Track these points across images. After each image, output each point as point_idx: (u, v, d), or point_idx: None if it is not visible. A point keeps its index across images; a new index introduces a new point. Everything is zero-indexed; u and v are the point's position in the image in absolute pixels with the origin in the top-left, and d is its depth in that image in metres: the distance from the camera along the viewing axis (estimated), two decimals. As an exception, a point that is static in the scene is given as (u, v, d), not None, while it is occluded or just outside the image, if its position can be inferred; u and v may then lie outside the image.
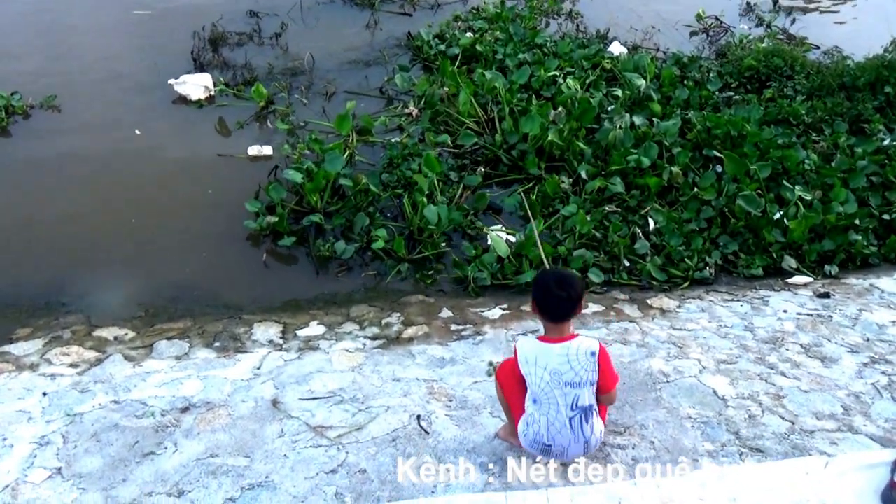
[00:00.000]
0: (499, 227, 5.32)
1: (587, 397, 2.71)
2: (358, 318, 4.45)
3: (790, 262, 5.21)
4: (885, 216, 5.56)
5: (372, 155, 5.97)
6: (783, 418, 3.29)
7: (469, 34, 7.45)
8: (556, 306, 2.68)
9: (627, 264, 5.08)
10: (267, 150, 5.94)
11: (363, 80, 6.99)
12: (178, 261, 4.93)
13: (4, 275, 4.71)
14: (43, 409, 3.36)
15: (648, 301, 4.70)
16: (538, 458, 2.84)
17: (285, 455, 2.99)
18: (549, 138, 5.75)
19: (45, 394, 3.48)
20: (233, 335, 4.18)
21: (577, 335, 2.72)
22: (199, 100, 6.49)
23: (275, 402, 3.39)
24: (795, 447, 3.06)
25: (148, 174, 5.67)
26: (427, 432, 3.12)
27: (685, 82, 7.01)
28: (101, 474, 2.90)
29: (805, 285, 4.96)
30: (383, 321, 4.39)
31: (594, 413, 2.77)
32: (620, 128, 5.95)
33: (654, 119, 6.26)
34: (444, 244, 5.17)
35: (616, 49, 7.53)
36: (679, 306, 4.61)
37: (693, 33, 8.39)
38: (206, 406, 3.36)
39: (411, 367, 3.76)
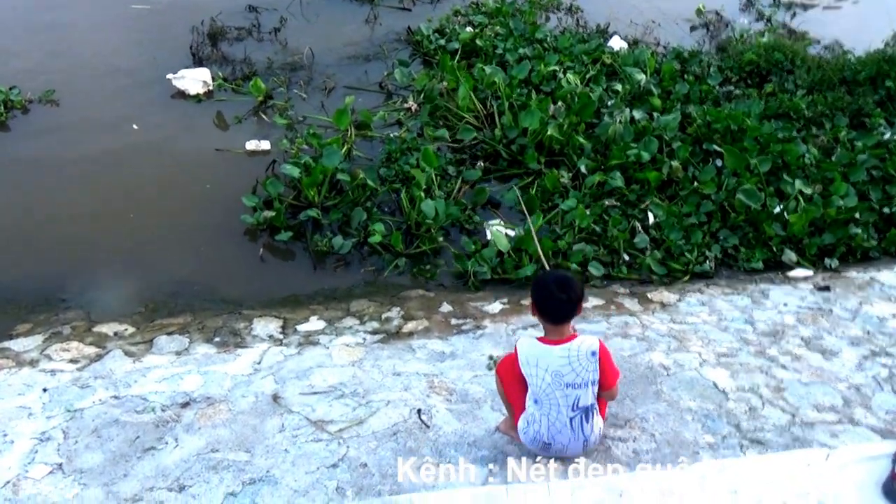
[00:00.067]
0: (497, 221, 5.32)
1: (588, 397, 2.72)
2: (358, 313, 4.45)
3: (790, 255, 5.20)
4: (886, 210, 5.56)
5: (370, 150, 5.96)
6: (784, 411, 3.29)
7: (469, 29, 7.43)
8: (557, 308, 2.67)
9: (627, 258, 5.08)
10: (265, 144, 5.93)
11: (363, 74, 6.97)
12: (177, 256, 4.93)
13: (4, 271, 4.70)
14: (43, 404, 3.35)
15: (649, 295, 4.69)
16: (538, 459, 2.85)
17: (286, 449, 2.98)
18: (549, 133, 5.74)
19: (45, 389, 3.48)
20: (233, 330, 4.18)
21: (577, 335, 2.71)
22: (198, 94, 6.47)
23: (275, 397, 3.39)
24: (796, 439, 3.07)
25: (146, 169, 5.66)
26: (427, 426, 3.12)
27: (685, 77, 7.00)
28: (102, 469, 2.90)
29: (805, 279, 4.96)
30: (383, 316, 4.38)
31: (595, 412, 2.77)
32: (620, 122, 5.93)
33: (654, 113, 6.25)
34: (441, 239, 5.16)
35: (616, 43, 7.51)
36: (679, 300, 4.60)
37: (693, 28, 8.36)
38: (207, 401, 3.36)
39: (411, 362, 3.76)
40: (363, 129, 6.11)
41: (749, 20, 8.54)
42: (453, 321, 4.29)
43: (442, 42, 7.26)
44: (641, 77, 6.67)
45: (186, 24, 7.10)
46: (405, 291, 4.78)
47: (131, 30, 7.31)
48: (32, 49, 6.94)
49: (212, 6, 7.47)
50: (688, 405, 3.30)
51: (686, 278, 5.00)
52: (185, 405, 3.33)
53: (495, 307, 4.47)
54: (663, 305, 4.52)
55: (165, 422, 3.20)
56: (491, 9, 7.90)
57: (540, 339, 2.71)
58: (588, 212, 5.21)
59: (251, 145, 5.92)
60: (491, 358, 3.73)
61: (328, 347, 3.93)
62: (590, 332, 3.98)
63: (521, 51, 7.03)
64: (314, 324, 4.29)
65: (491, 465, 2.86)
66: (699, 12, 8.48)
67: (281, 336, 4.13)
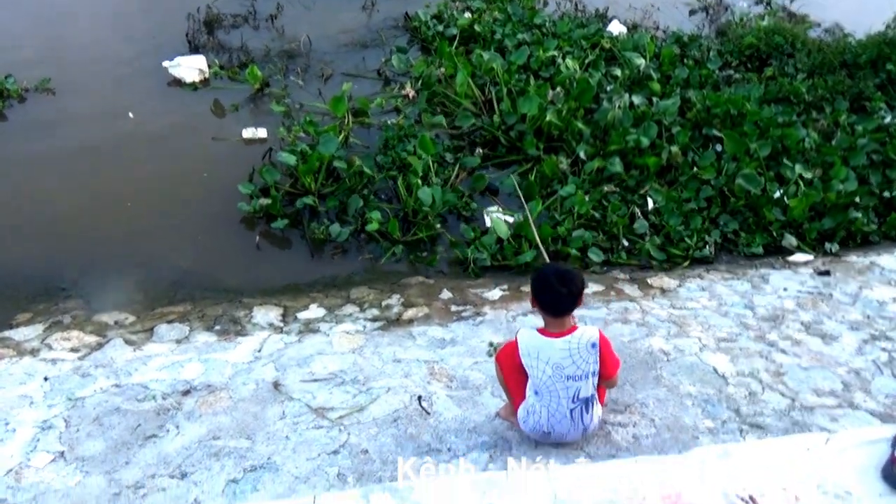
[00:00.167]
0: (496, 208, 5.31)
1: (588, 388, 2.72)
2: (358, 300, 4.45)
3: (790, 240, 5.20)
4: (886, 194, 5.56)
5: (367, 137, 5.93)
6: (783, 395, 3.30)
7: (467, 14, 7.38)
8: (557, 302, 2.66)
9: (626, 244, 5.07)
10: (261, 132, 5.90)
11: (360, 61, 6.93)
12: (175, 245, 4.92)
13: (2, 261, 4.70)
14: (45, 393, 3.36)
15: (648, 280, 4.69)
16: (538, 445, 2.86)
17: (287, 436, 2.99)
18: (548, 119, 5.72)
19: (46, 378, 3.48)
20: (233, 318, 4.18)
21: (577, 327, 2.70)
22: (194, 82, 6.43)
23: (276, 385, 3.39)
24: (796, 423, 3.08)
25: (143, 158, 5.64)
26: (428, 412, 3.13)
27: (685, 61, 6.96)
28: (104, 457, 2.91)
29: (805, 263, 4.96)
30: (383, 303, 4.38)
31: (594, 402, 2.78)
32: (619, 107, 5.91)
33: (654, 98, 6.22)
34: (439, 226, 5.15)
35: (615, 28, 7.46)
36: (679, 285, 4.60)
37: (693, 12, 8.31)
38: (208, 389, 3.37)
39: (412, 349, 3.76)
40: (360, 116, 6.08)
41: (749, 3, 8.49)
42: (453, 308, 4.29)
43: (440, 28, 7.21)
44: (641, 62, 6.63)
45: (182, 11, 7.05)
46: (405, 279, 4.78)
47: (127, 17, 7.25)
48: (28, 38, 6.89)
49: (208, -7, 7.41)
50: (688, 390, 3.31)
51: (686, 263, 5.00)
52: (185, 393, 3.34)
53: (495, 294, 4.47)
54: (663, 291, 4.52)
55: (166, 409, 3.21)
56: (489, -7, 7.84)
57: (540, 331, 2.70)
58: (587, 198, 5.20)
59: (248, 133, 5.89)
60: (491, 344, 3.73)
61: (328, 335, 3.94)
62: (590, 318, 4.00)
63: (519, 36, 6.99)
64: (314, 311, 4.29)
65: (491, 451, 2.87)
66: (699, -5, 8.43)
67: (281, 324, 4.13)
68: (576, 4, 8.12)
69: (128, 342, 3.89)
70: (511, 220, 5.12)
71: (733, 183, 5.36)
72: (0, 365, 3.63)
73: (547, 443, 2.85)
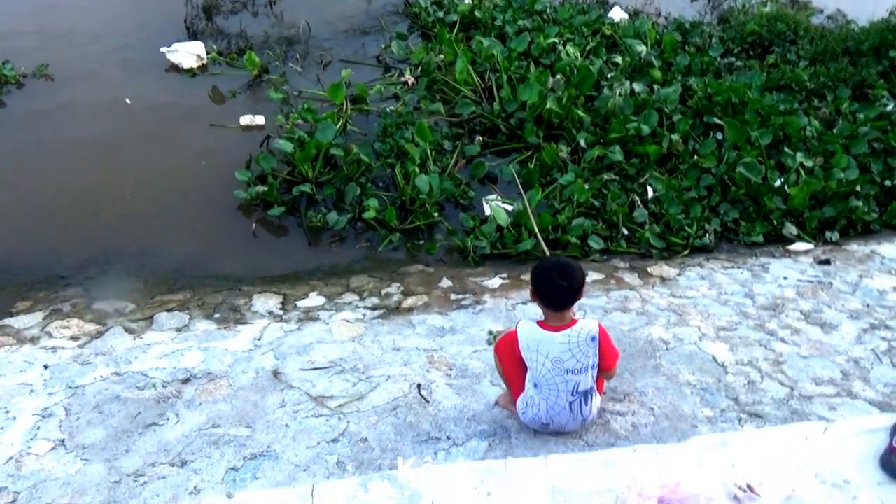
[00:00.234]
0: (495, 196, 5.29)
1: (588, 381, 2.72)
2: (358, 289, 4.45)
3: (791, 228, 5.19)
4: (887, 182, 5.54)
5: (366, 124, 5.91)
6: (782, 384, 3.30)
7: (467, 0, 7.32)
8: (557, 295, 2.65)
9: (626, 232, 5.06)
10: (259, 119, 5.88)
11: (360, 48, 6.89)
12: (174, 232, 4.91)
13: (3, 249, 4.69)
14: (45, 381, 3.36)
15: (648, 269, 4.69)
16: (536, 434, 2.87)
17: (287, 425, 3.00)
18: (548, 106, 5.69)
19: (46, 366, 3.48)
20: (233, 306, 4.18)
21: (577, 320, 2.69)
22: (192, 68, 6.40)
23: (275, 373, 3.40)
24: (794, 412, 3.08)
25: (141, 145, 5.62)
26: (427, 401, 3.13)
27: (686, 48, 6.92)
28: (105, 445, 2.92)
29: (806, 252, 4.95)
30: (383, 291, 4.38)
31: (593, 394, 2.78)
32: (620, 95, 5.88)
33: (655, 86, 6.19)
34: (436, 214, 5.13)
35: (617, 15, 7.41)
36: (679, 274, 4.60)
37: (694, -2, 8.25)
38: (208, 377, 3.37)
39: (411, 337, 3.77)
40: (359, 103, 6.05)
41: (752, -11, 8.41)
42: (453, 296, 4.29)
43: (440, 14, 7.16)
44: (642, 49, 6.59)
45: (180, -3, 7.00)
46: (405, 267, 4.78)
47: (125, 3, 7.21)
48: (26, 23, 6.84)
49: (206, -22, 7.35)
50: (687, 379, 3.32)
51: (686, 252, 4.99)
52: (185, 381, 3.34)
53: (495, 282, 4.47)
54: (663, 280, 4.52)
55: (166, 398, 3.21)
56: (490, -21, 7.77)
57: (540, 324, 2.69)
58: (587, 186, 5.18)
59: (245, 120, 5.87)
60: (491, 333, 3.74)
61: (328, 323, 3.94)
62: (589, 306, 4.00)
63: (520, 22, 6.94)
64: (314, 300, 4.29)
65: (490, 440, 2.88)
66: (701, -18, 8.35)
67: (281, 312, 4.13)
68: (577, -10, 8.05)
69: (128, 330, 3.89)
70: (510, 208, 5.11)
71: (734, 171, 5.34)
72: (0, 353, 3.63)
73: (546, 432, 2.85)
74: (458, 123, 5.94)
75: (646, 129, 5.61)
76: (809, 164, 5.47)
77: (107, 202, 5.11)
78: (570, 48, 6.49)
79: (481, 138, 5.76)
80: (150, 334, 3.86)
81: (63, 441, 2.94)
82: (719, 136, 5.72)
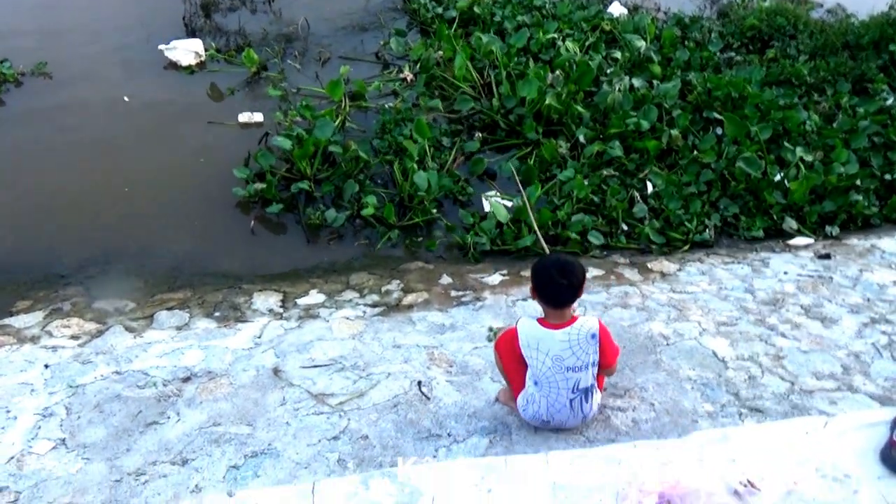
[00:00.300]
0: (494, 192, 5.29)
1: (588, 378, 2.72)
2: (358, 286, 4.44)
3: (791, 223, 5.19)
4: (887, 176, 5.54)
5: (365, 121, 5.90)
6: (783, 379, 3.30)
7: (466, -4, 7.30)
8: (558, 294, 2.64)
9: (626, 228, 5.06)
10: (257, 116, 5.87)
11: (359, 44, 6.88)
12: (174, 230, 4.91)
13: (2, 248, 4.69)
14: (45, 380, 3.37)
15: (649, 264, 4.69)
16: (537, 430, 2.87)
17: (287, 422, 3.00)
18: (547, 102, 5.68)
19: (46, 366, 3.48)
20: (233, 304, 4.18)
21: (577, 317, 2.68)
22: (190, 66, 6.39)
23: (276, 371, 3.40)
24: (795, 407, 3.08)
25: (139, 142, 5.61)
26: (428, 398, 3.13)
27: (686, 43, 6.91)
28: (105, 444, 2.92)
29: (806, 246, 4.95)
30: (383, 288, 4.38)
31: (594, 391, 2.78)
32: (619, 90, 5.87)
33: (654, 81, 6.18)
34: (435, 211, 5.13)
35: (616, 10, 7.40)
36: (679, 269, 4.60)
37: (694, -8, 8.23)
38: (208, 375, 3.37)
39: (411, 334, 3.77)
40: (358, 99, 6.04)
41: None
42: (453, 293, 4.29)
43: (439, 10, 7.15)
44: (641, 44, 6.58)
45: (179, -6, 6.99)
46: (405, 264, 4.78)
47: (124, 1, 7.19)
48: (24, 21, 6.83)
49: (204, -24, 7.33)
50: (687, 374, 3.32)
51: (686, 247, 4.99)
52: (186, 380, 3.34)
53: (495, 279, 4.47)
54: (663, 275, 4.52)
55: (167, 396, 3.21)
56: (489, -25, 7.75)
57: (540, 322, 2.68)
58: (586, 182, 5.17)
59: (244, 117, 5.86)
60: (491, 329, 3.74)
61: (328, 321, 3.94)
62: (590, 302, 4.00)
63: (519, 18, 6.93)
64: (314, 297, 4.29)
65: (491, 436, 2.88)
66: (700, -24, 8.33)
67: (281, 310, 4.13)
68: (576, -15, 8.03)
69: (128, 329, 3.89)
70: (510, 204, 5.10)
71: (734, 166, 5.34)
72: (0, 352, 3.63)
73: (546, 429, 2.85)
74: (456, 120, 5.94)
75: (645, 125, 5.61)
76: (809, 158, 5.47)
77: (106, 200, 5.10)
78: (569, 44, 6.48)
79: (480, 135, 5.75)
80: (151, 333, 3.86)
81: (64, 440, 2.94)
82: (719, 131, 5.71)
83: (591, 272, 4.47)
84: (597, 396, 2.82)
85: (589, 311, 3.93)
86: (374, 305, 4.16)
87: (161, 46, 6.42)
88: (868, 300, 4.10)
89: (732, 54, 6.89)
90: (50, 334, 3.84)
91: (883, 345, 3.61)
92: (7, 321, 4.00)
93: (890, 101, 6.11)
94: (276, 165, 5.30)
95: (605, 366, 2.76)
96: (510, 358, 2.77)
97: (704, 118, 5.89)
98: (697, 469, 2.33)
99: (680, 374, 3.32)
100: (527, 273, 4.24)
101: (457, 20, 6.97)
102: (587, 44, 6.65)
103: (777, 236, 5.16)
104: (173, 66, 6.40)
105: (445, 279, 4.49)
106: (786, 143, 5.57)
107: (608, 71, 6.27)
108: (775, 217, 5.21)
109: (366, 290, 4.38)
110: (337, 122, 5.57)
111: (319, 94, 6.06)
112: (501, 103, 5.87)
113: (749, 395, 3.17)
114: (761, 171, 5.30)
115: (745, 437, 2.53)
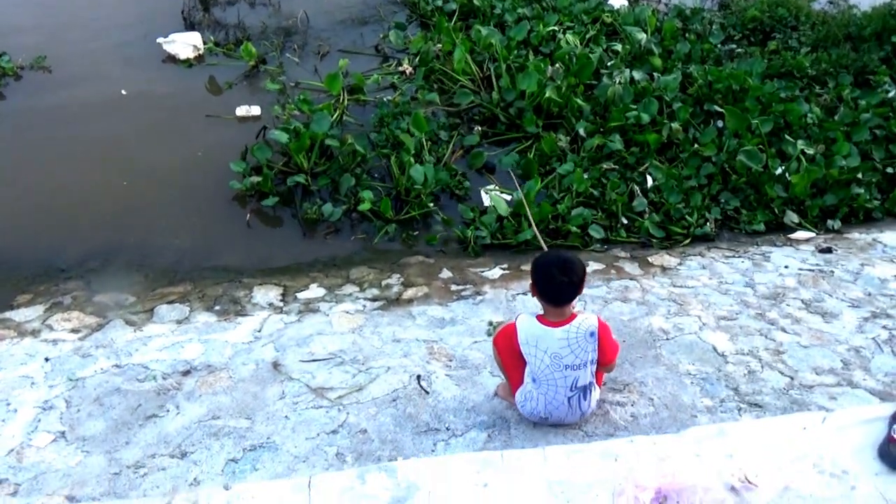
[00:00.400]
0: (493, 186, 5.28)
1: (587, 376, 2.71)
2: (358, 280, 4.44)
3: (792, 217, 5.17)
4: (889, 170, 5.51)
5: (363, 114, 5.88)
6: (782, 374, 3.30)
7: (466, -11, 7.26)
8: (558, 291, 2.62)
9: (625, 222, 5.05)
10: (255, 110, 5.86)
11: (358, 38, 6.85)
12: (173, 224, 4.91)
13: (3, 242, 4.69)
14: (45, 374, 3.38)
15: (649, 258, 4.68)
16: (536, 425, 2.88)
17: (286, 416, 3.01)
18: (547, 95, 5.66)
19: (47, 359, 3.50)
20: (233, 298, 4.18)
21: (576, 315, 2.67)
22: (188, 59, 6.37)
23: (275, 365, 3.40)
24: (794, 402, 3.08)
25: (138, 136, 5.60)
26: (427, 392, 3.14)
27: (687, 35, 6.87)
28: (105, 437, 2.93)
29: (807, 240, 4.93)
30: (383, 282, 4.38)
31: (592, 388, 2.78)
32: (620, 83, 5.85)
33: (655, 74, 6.15)
34: (431, 204, 5.12)
35: (616, 2, 7.36)
36: (680, 263, 4.59)
37: (695, -16, 8.17)
38: (208, 369, 3.38)
39: (411, 328, 3.77)
40: (356, 93, 6.02)
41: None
42: (453, 287, 4.29)
43: (439, 3, 7.11)
44: (642, 36, 6.55)
45: (178, -13, 6.96)
46: (405, 258, 4.77)
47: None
48: (23, 15, 6.82)
49: (203, -32, 7.30)
50: (686, 369, 3.31)
51: (687, 241, 4.98)
52: (185, 373, 3.35)
53: (495, 273, 4.47)
54: (664, 269, 4.51)
55: (167, 390, 3.22)
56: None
57: (539, 319, 2.67)
58: (586, 176, 5.16)
59: (241, 111, 5.85)
60: (491, 324, 3.73)
61: (328, 315, 3.94)
62: (590, 296, 4.00)
63: (519, 11, 6.90)
64: (314, 291, 4.29)
65: (490, 431, 2.88)
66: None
67: (281, 304, 4.13)
68: (577, -22, 7.98)
69: (128, 323, 3.90)
70: (509, 198, 5.09)
71: (734, 159, 5.31)
72: (1, 346, 3.64)
73: (545, 424, 2.85)
74: (455, 113, 5.92)
75: (646, 118, 5.58)
76: (811, 151, 5.44)
77: (105, 194, 5.10)
78: (569, 36, 6.45)
79: (480, 128, 5.73)
80: (151, 326, 3.86)
81: (64, 433, 2.96)
82: (720, 124, 5.69)
83: (592, 266, 4.47)
84: (595, 393, 2.82)
85: (589, 305, 3.93)
86: (374, 299, 4.16)
87: (159, 40, 6.40)
88: (869, 295, 4.09)
89: (734, 46, 6.86)
90: (50, 328, 3.84)
91: (883, 340, 3.60)
92: (8, 314, 4.01)
93: (892, 94, 6.07)
94: (273, 159, 5.30)
95: (604, 363, 2.76)
96: (508, 354, 2.76)
97: (705, 111, 5.86)
98: (694, 464, 2.33)
99: (679, 368, 3.32)
100: (527, 267, 4.24)
101: (457, 13, 6.94)
102: (587, 36, 6.62)
103: (778, 230, 5.14)
104: (171, 59, 6.38)
105: (446, 273, 4.48)
106: (787, 136, 5.55)
107: (608, 64, 6.24)
108: (776, 211, 5.19)
109: (366, 284, 4.38)
110: (335, 116, 5.56)
111: (318, 87, 6.04)
112: (501, 96, 5.85)
113: (748, 390, 3.16)
114: (762, 165, 5.28)
115: (743, 433, 2.52)
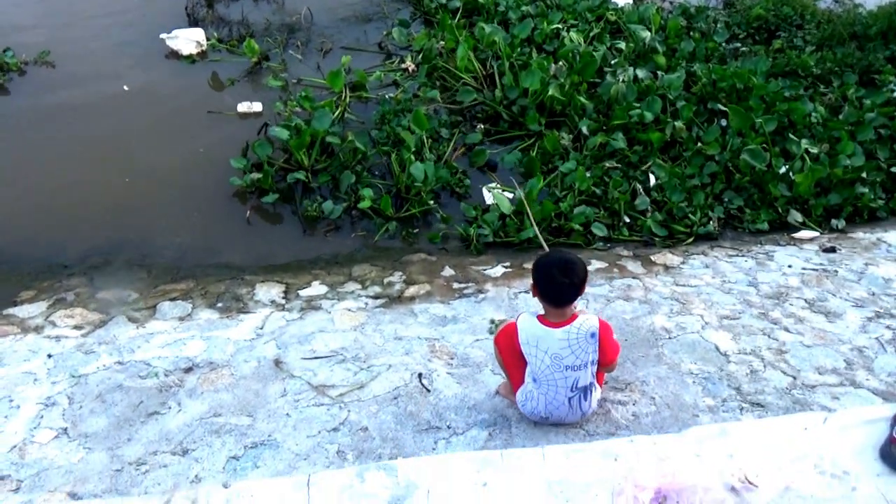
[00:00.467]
0: (495, 185, 5.27)
1: (587, 377, 2.71)
2: (360, 278, 4.45)
3: (796, 216, 5.16)
4: (894, 169, 5.49)
5: (365, 112, 5.87)
6: (785, 373, 3.29)
7: (470, -14, 7.25)
8: (559, 292, 2.61)
9: (628, 220, 5.04)
10: (256, 106, 5.86)
11: (361, 35, 6.84)
12: (175, 220, 4.91)
13: (6, 238, 4.70)
14: (48, 370, 3.39)
15: (652, 257, 4.67)
16: (536, 424, 2.88)
17: (288, 414, 3.01)
18: (550, 93, 5.64)
19: (50, 355, 3.51)
20: (235, 295, 4.19)
21: (577, 315, 2.66)
22: (191, 55, 6.37)
23: (277, 362, 3.41)
24: (796, 402, 3.07)
25: (140, 132, 5.60)
26: (428, 390, 3.14)
27: (691, 33, 6.85)
28: (107, 434, 2.93)
29: (811, 240, 4.92)
30: (385, 280, 4.38)
31: (593, 388, 2.77)
32: (623, 81, 5.83)
33: (659, 72, 6.13)
34: (432, 202, 5.11)
35: (621, 0, 7.33)
36: (683, 262, 4.58)
37: (700, -18, 8.14)
38: (210, 366, 3.39)
39: (413, 326, 3.77)
40: (358, 90, 6.01)
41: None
42: (455, 285, 4.29)
43: (443, 0, 7.10)
44: (646, 34, 6.53)
45: (182, -16, 6.96)
46: (407, 256, 4.77)
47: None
48: (26, 10, 6.82)
49: (207, -35, 7.30)
50: (688, 368, 3.31)
51: (690, 240, 4.96)
52: (188, 370, 3.36)
53: (497, 271, 4.46)
54: (667, 268, 4.50)
55: (169, 387, 3.23)
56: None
57: (540, 319, 2.66)
58: (588, 174, 5.15)
59: (243, 107, 5.85)
60: (492, 322, 3.73)
61: (330, 312, 3.94)
62: (592, 295, 3.99)
63: (523, 8, 6.88)
64: (316, 289, 4.29)
65: (491, 429, 2.88)
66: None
67: (283, 301, 4.13)
68: (581, -25, 7.96)
69: (131, 319, 3.91)
70: (510, 196, 5.09)
71: (738, 158, 5.30)
72: (4, 342, 3.66)
73: (546, 424, 2.85)
74: (458, 111, 5.91)
75: (649, 116, 5.57)
76: (815, 150, 5.42)
77: (107, 190, 5.10)
78: (573, 34, 6.43)
79: (482, 126, 5.73)
80: (153, 323, 3.87)
81: (66, 429, 2.96)
82: (723, 122, 5.67)
83: (595, 265, 4.46)
84: (596, 393, 2.82)
85: (592, 304, 3.92)
86: (376, 297, 4.16)
87: (162, 35, 6.40)
88: (873, 294, 4.07)
89: (738, 45, 6.84)
90: (53, 324, 3.85)
91: (887, 340, 3.59)
92: (11, 311, 4.02)
93: (897, 93, 6.05)
94: (274, 156, 5.30)
95: (604, 364, 2.75)
96: (509, 353, 2.76)
97: (709, 109, 5.84)
98: (695, 464, 2.33)
99: (681, 367, 3.31)
100: (529, 265, 4.23)
101: (460, 10, 6.92)
102: (591, 34, 6.60)
103: (782, 229, 5.13)
104: (174, 55, 6.38)
105: (448, 271, 4.48)
106: (791, 135, 5.53)
107: (612, 62, 6.22)
108: (780, 210, 5.17)
109: (368, 281, 4.38)
110: (336, 113, 5.55)
111: (320, 84, 6.04)
112: (504, 94, 5.84)
113: (750, 390, 3.16)
114: (766, 164, 5.26)
115: (744, 433, 2.52)
